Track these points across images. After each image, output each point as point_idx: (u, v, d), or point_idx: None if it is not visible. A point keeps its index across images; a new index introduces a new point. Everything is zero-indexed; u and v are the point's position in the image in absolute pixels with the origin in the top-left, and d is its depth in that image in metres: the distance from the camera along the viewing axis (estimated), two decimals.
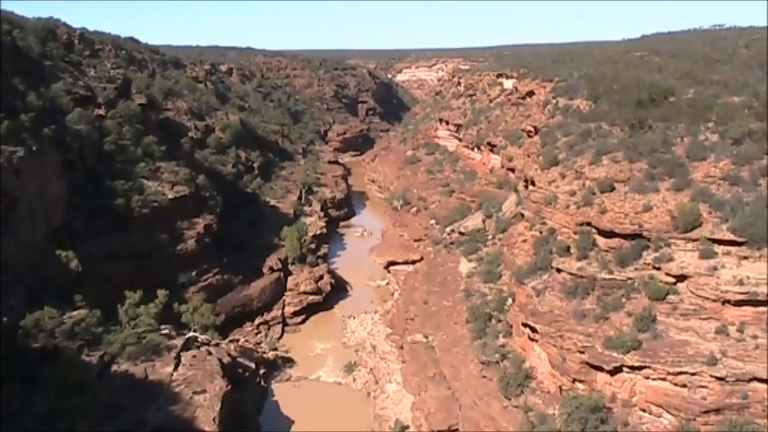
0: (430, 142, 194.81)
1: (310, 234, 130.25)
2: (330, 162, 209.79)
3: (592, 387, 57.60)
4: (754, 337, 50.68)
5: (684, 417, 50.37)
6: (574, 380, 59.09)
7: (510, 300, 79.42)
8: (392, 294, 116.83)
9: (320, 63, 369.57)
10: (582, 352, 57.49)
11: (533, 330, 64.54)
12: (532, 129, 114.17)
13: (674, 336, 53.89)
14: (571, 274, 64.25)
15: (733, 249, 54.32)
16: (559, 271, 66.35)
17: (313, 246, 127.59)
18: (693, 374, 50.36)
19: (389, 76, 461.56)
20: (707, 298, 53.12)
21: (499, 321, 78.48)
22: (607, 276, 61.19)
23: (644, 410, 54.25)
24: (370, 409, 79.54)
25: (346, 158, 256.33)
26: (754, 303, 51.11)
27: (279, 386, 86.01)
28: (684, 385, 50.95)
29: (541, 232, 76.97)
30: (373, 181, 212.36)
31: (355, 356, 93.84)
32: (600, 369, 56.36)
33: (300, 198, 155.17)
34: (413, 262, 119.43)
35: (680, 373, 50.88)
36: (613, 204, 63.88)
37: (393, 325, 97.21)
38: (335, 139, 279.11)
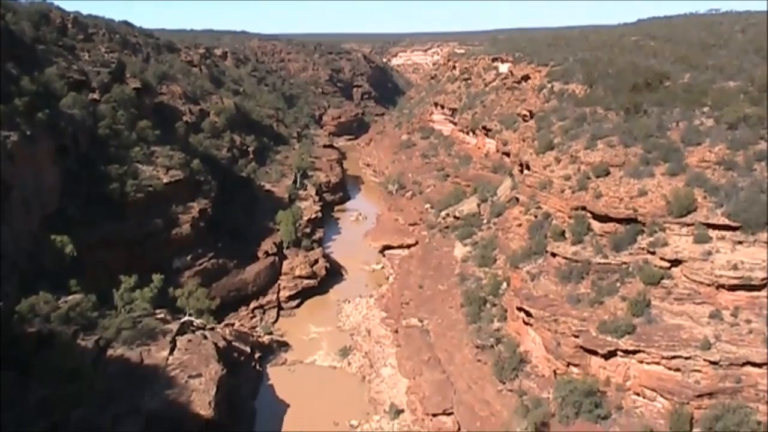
0: (425, 126, 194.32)
1: (305, 218, 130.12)
2: (325, 146, 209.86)
3: (586, 371, 57.89)
4: (748, 321, 50.96)
5: (677, 401, 50.70)
6: (568, 364, 59.37)
7: (505, 284, 79.55)
8: (387, 278, 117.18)
9: (315, 47, 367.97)
10: (576, 336, 57.73)
11: (528, 314, 64.69)
12: (528, 113, 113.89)
13: (668, 320, 54.11)
14: (566, 258, 64.33)
15: (727, 234, 54.59)
16: (553, 255, 66.42)
17: (308, 230, 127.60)
18: (687, 358, 50.62)
19: (384, 60, 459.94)
20: (701, 283, 53.29)
21: (494, 305, 78.71)
22: (602, 260, 61.28)
23: (638, 394, 54.61)
24: (365, 392, 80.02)
25: (340, 142, 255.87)
26: (748, 288, 51.36)
27: (274, 370, 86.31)
28: (678, 369, 51.22)
29: (536, 217, 77.07)
30: (368, 166, 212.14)
31: (350, 340, 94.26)
32: (594, 353, 56.64)
33: (295, 182, 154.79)
34: (408, 247, 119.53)
35: (674, 357, 51.16)
36: (608, 188, 63.88)
37: (388, 309, 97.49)
38: (330, 124, 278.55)
